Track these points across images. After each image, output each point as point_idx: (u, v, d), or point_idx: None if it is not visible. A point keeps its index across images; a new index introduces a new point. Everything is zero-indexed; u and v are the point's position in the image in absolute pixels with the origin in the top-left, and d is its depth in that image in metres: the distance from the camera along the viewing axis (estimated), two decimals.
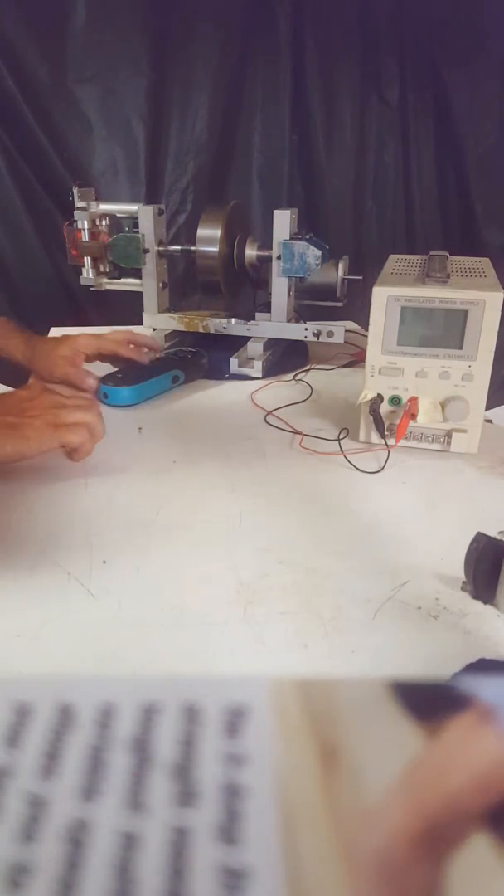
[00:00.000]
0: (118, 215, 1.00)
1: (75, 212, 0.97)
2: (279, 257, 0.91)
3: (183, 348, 0.93)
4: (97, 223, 0.99)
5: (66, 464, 0.66)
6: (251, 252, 0.97)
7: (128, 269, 0.99)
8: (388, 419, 0.67)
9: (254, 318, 0.97)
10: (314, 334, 0.94)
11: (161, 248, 0.98)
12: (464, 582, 0.43)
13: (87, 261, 1.00)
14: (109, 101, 1.38)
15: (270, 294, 0.95)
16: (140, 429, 0.74)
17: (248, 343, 0.95)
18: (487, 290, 0.62)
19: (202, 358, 0.91)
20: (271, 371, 0.94)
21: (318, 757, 0.13)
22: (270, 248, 0.92)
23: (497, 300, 0.61)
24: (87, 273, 1.01)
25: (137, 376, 0.81)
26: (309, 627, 0.43)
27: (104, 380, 0.79)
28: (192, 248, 0.95)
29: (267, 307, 0.96)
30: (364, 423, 0.69)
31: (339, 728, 0.13)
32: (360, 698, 0.14)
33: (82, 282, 1.02)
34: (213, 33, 1.40)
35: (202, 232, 0.94)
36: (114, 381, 0.80)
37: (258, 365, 0.92)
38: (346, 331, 0.94)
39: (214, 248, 0.94)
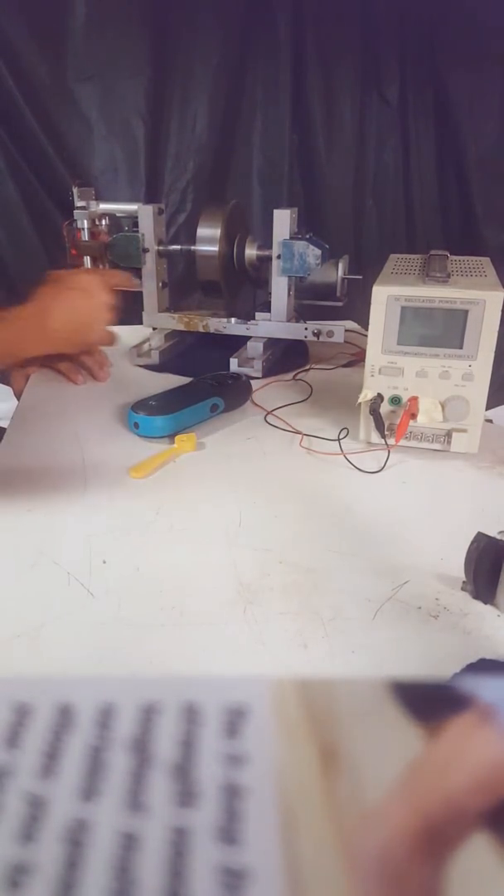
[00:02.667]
0: (118, 215, 1.00)
1: (75, 211, 0.97)
2: (279, 257, 0.91)
3: (223, 373, 0.84)
4: (97, 223, 0.99)
5: (66, 463, 0.66)
6: (251, 251, 0.97)
7: (128, 268, 0.99)
8: (388, 419, 0.67)
9: (254, 318, 0.97)
10: (314, 334, 0.94)
11: (161, 248, 0.98)
12: (464, 582, 0.43)
13: (87, 260, 1.00)
14: (109, 101, 1.37)
15: (270, 294, 0.95)
16: None
17: (248, 343, 0.95)
18: (488, 289, 0.62)
19: (245, 384, 0.83)
20: (271, 371, 0.94)
21: (318, 757, 0.13)
22: (270, 247, 0.92)
23: (497, 300, 0.61)
24: None
25: (172, 405, 0.73)
26: (309, 627, 0.43)
27: (135, 407, 0.73)
28: (192, 247, 0.95)
29: (267, 307, 0.96)
30: (364, 423, 0.69)
31: (339, 728, 0.13)
32: (360, 698, 0.14)
33: None
34: (213, 33, 1.40)
35: (202, 231, 0.94)
36: (146, 409, 0.72)
37: (258, 364, 0.92)
38: (346, 330, 0.94)
39: (214, 248, 0.94)
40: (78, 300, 0.74)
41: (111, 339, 0.83)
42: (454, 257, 0.73)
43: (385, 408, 0.67)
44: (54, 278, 0.75)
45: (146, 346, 1.00)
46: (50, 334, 0.74)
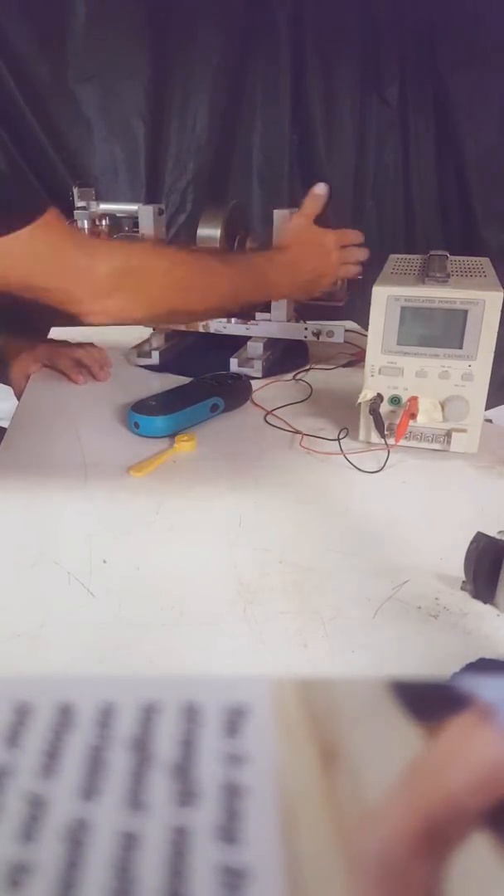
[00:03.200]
0: (118, 215, 1.00)
1: (75, 212, 0.97)
2: None
3: (222, 373, 0.85)
4: (97, 223, 0.99)
5: (66, 463, 0.66)
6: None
7: None
8: (387, 419, 0.67)
9: (254, 318, 0.97)
10: (314, 334, 0.94)
11: None
12: (464, 581, 0.43)
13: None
14: (109, 101, 1.38)
15: None
16: None
17: (248, 343, 0.95)
18: (487, 289, 0.62)
19: (245, 384, 0.84)
20: (271, 371, 0.94)
21: (318, 757, 0.13)
22: (271, 247, 0.92)
23: (497, 300, 0.61)
24: None
25: (172, 405, 0.73)
26: (309, 627, 0.43)
27: (135, 407, 0.73)
28: (193, 247, 0.95)
29: (267, 307, 0.96)
30: (364, 423, 0.69)
31: (339, 728, 0.13)
32: (360, 698, 0.14)
33: None
34: (213, 33, 1.40)
35: (202, 232, 0.94)
36: (146, 409, 0.73)
37: (258, 364, 0.92)
38: (346, 330, 0.94)
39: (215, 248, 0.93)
40: (319, 256, 0.84)
41: (342, 295, 0.95)
42: (454, 257, 0.73)
43: (385, 408, 0.67)
44: (304, 231, 0.85)
45: (146, 346, 1.00)
46: (297, 282, 0.84)
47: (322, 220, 0.87)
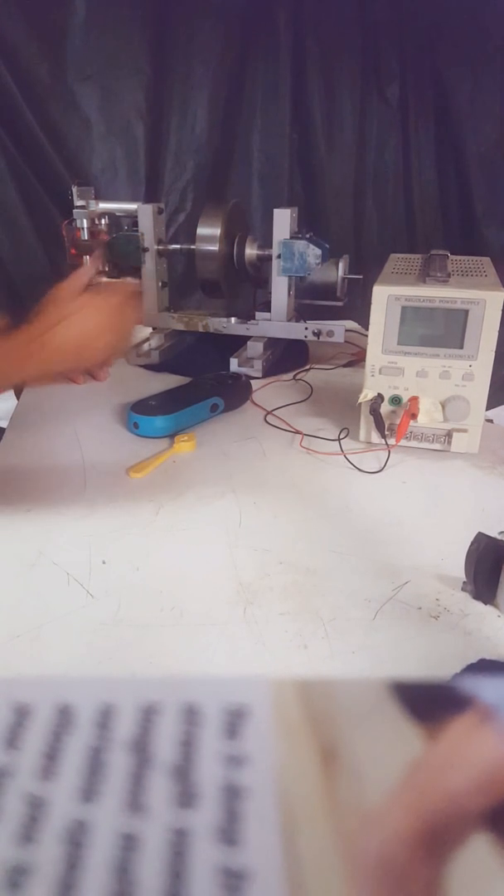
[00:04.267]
0: (117, 214, 1.00)
1: (74, 211, 0.97)
2: (279, 256, 0.91)
3: (223, 373, 0.85)
4: (96, 222, 0.99)
5: (66, 463, 0.66)
6: (251, 251, 0.97)
7: (127, 267, 0.99)
8: (388, 419, 0.67)
9: (254, 318, 0.97)
10: (314, 334, 0.94)
11: (160, 247, 0.98)
12: (464, 582, 0.43)
13: (87, 260, 1.00)
14: (109, 100, 1.37)
15: (270, 293, 0.95)
16: None
17: (248, 342, 0.95)
18: (488, 289, 0.62)
19: (245, 384, 0.83)
20: (271, 371, 0.94)
21: (318, 757, 0.13)
22: (270, 247, 0.92)
23: (498, 300, 0.61)
24: None
25: (172, 405, 0.73)
26: (309, 628, 0.43)
27: (135, 407, 0.73)
28: (192, 246, 0.95)
29: (267, 306, 0.96)
30: (364, 423, 0.69)
31: (339, 728, 0.13)
32: (360, 699, 0.14)
33: None
34: (213, 32, 1.40)
35: (202, 231, 0.94)
36: (146, 409, 0.72)
37: (258, 364, 0.92)
38: (346, 330, 0.94)
39: (214, 247, 0.93)
40: (80, 324, 0.69)
41: (110, 362, 0.75)
42: (454, 257, 0.73)
43: (385, 408, 0.67)
44: (56, 299, 0.70)
45: (146, 346, 1.00)
46: (48, 360, 0.68)
47: None
